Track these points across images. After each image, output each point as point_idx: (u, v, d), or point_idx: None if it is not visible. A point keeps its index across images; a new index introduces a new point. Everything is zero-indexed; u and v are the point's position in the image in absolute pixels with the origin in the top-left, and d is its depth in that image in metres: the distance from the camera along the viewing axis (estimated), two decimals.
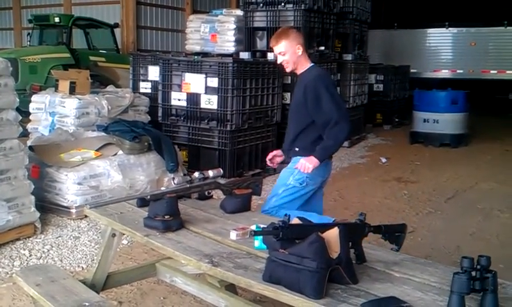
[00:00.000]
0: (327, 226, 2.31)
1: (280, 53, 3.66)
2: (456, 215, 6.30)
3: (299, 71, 3.73)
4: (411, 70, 15.63)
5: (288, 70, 3.73)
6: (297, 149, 3.73)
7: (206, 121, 7.25)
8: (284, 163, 3.93)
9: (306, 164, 3.54)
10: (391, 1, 17.73)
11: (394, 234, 2.67)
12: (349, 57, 10.94)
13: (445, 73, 17.05)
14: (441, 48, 17.48)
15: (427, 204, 6.66)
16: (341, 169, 8.72)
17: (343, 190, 7.30)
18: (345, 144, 10.56)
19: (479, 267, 1.97)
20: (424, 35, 17.51)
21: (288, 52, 3.63)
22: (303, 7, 8.78)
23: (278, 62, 3.74)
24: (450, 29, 17.04)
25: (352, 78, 10.97)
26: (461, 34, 17.14)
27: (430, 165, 9.14)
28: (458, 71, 16.92)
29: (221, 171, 3.34)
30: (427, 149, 10.66)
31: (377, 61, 15.07)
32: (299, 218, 2.45)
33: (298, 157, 3.65)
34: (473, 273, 1.96)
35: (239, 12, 9.88)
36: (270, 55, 8.96)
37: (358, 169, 8.86)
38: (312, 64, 3.77)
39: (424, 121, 10.97)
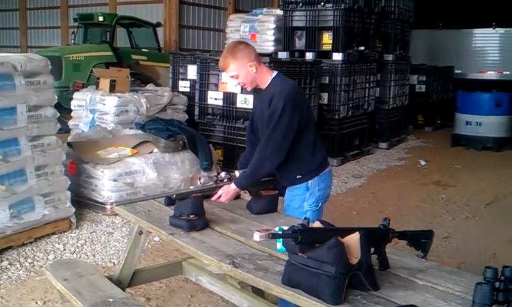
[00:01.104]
0: (348, 231, 2.27)
1: (232, 77, 3.21)
2: (494, 221, 6.13)
3: (263, 87, 3.22)
4: (456, 71, 15.27)
5: (249, 90, 3.30)
6: (299, 176, 3.27)
7: (241, 120, 7.27)
8: None
9: (224, 195, 3.19)
10: (436, 1, 17.35)
11: (420, 240, 2.60)
12: (389, 57, 10.77)
13: (491, 75, 16.57)
14: (488, 49, 17.01)
15: (464, 209, 6.50)
16: (378, 171, 8.61)
17: (378, 192, 7.20)
18: (384, 145, 10.44)
19: (503, 278, 1.91)
20: (470, 35, 17.06)
21: (240, 74, 3.15)
22: (342, 7, 8.66)
23: (235, 85, 3.38)
24: (497, 29, 16.57)
25: (393, 78, 10.78)
26: (508, 34, 16.61)
27: (471, 169, 8.93)
28: (505, 72, 16.41)
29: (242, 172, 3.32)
30: (468, 153, 10.41)
31: (420, 62, 14.79)
32: (321, 221, 2.42)
33: (302, 185, 3.27)
34: (497, 284, 1.90)
35: (279, 11, 9.86)
36: (308, 55, 8.93)
37: (396, 172, 8.72)
38: (275, 74, 3.24)
39: (467, 123, 10.72)
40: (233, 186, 3.20)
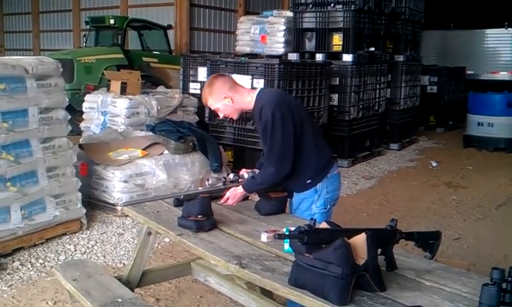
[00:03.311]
0: (354, 231, 2.27)
1: (215, 110, 3.33)
2: (506, 222, 6.08)
3: (251, 107, 3.25)
4: (468, 72, 15.17)
5: (235, 119, 3.42)
6: (309, 181, 3.26)
7: (251, 122, 7.26)
8: None
9: (232, 198, 3.23)
10: (447, 2, 17.30)
11: (428, 241, 2.59)
12: (400, 58, 10.73)
13: (503, 75, 16.44)
14: (500, 49, 16.88)
15: (476, 211, 6.46)
16: (389, 173, 8.57)
17: (389, 194, 7.17)
18: (395, 146, 10.40)
19: (510, 279, 1.90)
20: (482, 36, 16.95)
21: (219, 107, 3.25)
22: (352, 8, 8.65)
23: (221, 117, 3.44)
24: (509, 29, 16.44)
25: (404, 79, 10.72)
26: None
27: (482, 170, 8.85)
28: None
29: (256, 172, 3.33)
30: (480, 154, 10.33)
31: (432, 62, 14.71)
32: (327, 222, 2.42)
33: (311, 190, 3.26)
34: (504, 285, 1.89)
35: (289, 13, 9.87)
36: (318, 56, 8.92)
37: (407, 173, 8.68)
38: (258, 91, 3.28)
39: (478, 124, 10.64)
40: (240, 189, 3.23)
